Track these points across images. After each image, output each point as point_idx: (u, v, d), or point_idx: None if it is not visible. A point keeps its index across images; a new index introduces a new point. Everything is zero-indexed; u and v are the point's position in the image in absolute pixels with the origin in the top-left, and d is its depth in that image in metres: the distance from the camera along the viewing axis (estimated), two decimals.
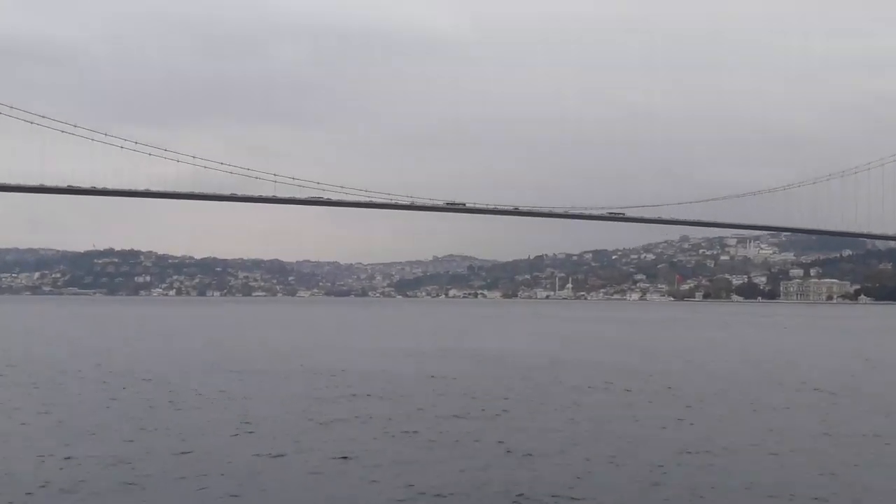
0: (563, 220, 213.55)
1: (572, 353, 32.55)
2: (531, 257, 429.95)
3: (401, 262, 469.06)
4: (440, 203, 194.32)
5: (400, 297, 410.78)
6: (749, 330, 69.28)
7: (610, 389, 22.41)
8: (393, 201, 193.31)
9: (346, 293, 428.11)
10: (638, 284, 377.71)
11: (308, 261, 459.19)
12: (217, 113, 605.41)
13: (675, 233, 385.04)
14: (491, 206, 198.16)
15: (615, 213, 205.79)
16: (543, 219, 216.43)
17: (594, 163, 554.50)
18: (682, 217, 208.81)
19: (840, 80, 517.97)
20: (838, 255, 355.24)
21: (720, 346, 43.38)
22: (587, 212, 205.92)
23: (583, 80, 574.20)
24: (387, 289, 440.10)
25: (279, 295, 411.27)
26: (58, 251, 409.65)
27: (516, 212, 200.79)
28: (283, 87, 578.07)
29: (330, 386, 23.86)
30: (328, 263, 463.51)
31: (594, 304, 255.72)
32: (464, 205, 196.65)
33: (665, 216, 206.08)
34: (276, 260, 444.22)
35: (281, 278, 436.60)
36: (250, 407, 19.73)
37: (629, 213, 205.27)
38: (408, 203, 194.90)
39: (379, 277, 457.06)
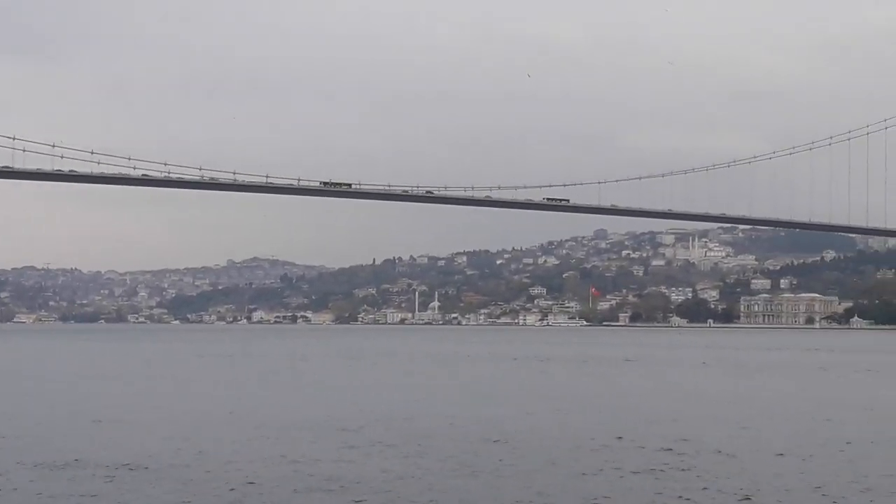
0: (424, 204, 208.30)
1: None
2: (377, 262, 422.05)
3: (178, 270, 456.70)
4: (234, 177, 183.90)
5: (177, 321, 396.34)
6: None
7: None
8: (147, 174, 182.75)
9: (93, 317, 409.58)
10: (536, 302, 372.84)
11: (32, 268, 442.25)
12: None
13: (587, 226, 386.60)
14: (305, 184, 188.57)
15: (500, 199, 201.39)
16: (393, 203, 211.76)
17: (470, 125, 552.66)
18: (597, 203, 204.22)
19: (826, 8, 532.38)
20: (819, 258, 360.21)
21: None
22: (461, 194, 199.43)
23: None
24: (156, 310, 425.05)
25: None
26: None
27: (351, 192, 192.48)
28: None
29: None
30: (65, 272, 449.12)
31: (473, 332, 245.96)
32: (266, 179, 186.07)
33: (574, 201, 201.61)
34: None
35: None
36: None
37: (519, 195, 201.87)
38: (164, 177, 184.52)
39: (144, 293, 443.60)
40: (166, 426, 28.61)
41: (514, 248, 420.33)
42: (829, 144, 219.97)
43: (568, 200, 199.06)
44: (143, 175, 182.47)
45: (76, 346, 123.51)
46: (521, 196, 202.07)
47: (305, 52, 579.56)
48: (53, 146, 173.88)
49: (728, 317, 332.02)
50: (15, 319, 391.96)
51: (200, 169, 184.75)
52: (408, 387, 45.89)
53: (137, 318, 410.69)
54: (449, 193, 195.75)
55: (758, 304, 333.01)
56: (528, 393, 43.23)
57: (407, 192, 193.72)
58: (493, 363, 75.23)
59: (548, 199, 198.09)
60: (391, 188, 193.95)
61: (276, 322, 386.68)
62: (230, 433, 26.78)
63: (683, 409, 35.60)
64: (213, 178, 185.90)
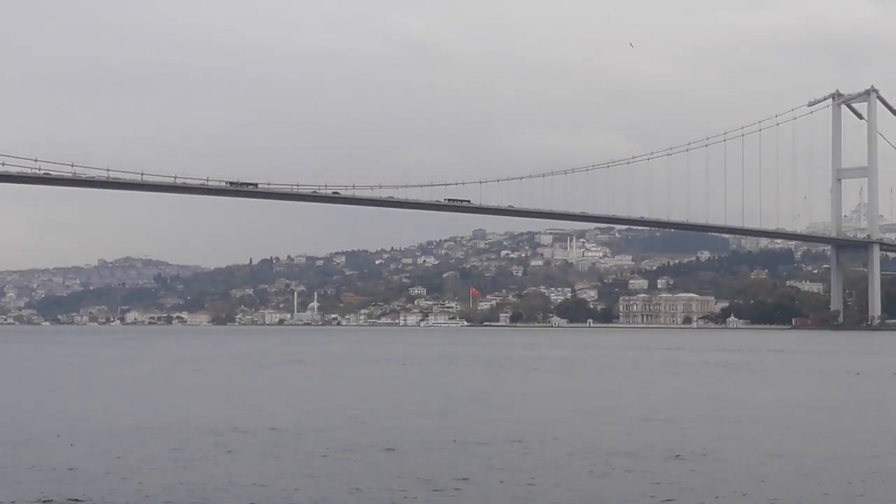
0: (300, 202, 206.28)
1: None
2: (254, 262, 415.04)
3: (48, 270, 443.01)
4: (101, 172, 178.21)
5: (48, 322, 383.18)
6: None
7: None
8: (41, 172, 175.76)
9: None
10: (417, 302, 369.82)
11: None
12: None
13: (465, 226, 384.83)
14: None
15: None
16: (270, 201, 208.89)
17: (338, 122, 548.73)
18: (473, 202, 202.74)
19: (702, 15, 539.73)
20: (694, 258, 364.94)
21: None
22: (369, 194, 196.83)
23: None
24: (25, 311, 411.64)
25: None
26: None
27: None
28: None
29: None
30: None
31: (353, 332, 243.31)
32: (141, 177, 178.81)
33: (450, 199, 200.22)
34: None
35: None
36: None
37: (387, 193, 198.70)
38: (37, 173, 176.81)
39: (12, 294, 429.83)
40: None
41: (392, 248, 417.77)
42: (706, 146, 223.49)
43: (469, 201, 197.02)
44: (18, 173, 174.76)
45: None
46: (401, 195, 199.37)
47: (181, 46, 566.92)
48: None
49: (607, 317, 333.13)
50: None
51: (73, 166, 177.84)
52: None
53: (6, 320, 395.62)
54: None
55: (636, 304, 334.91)
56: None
57: (316, 192, 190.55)
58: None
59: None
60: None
61: (150, 323, 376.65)
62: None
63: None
64: (117, 178, 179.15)
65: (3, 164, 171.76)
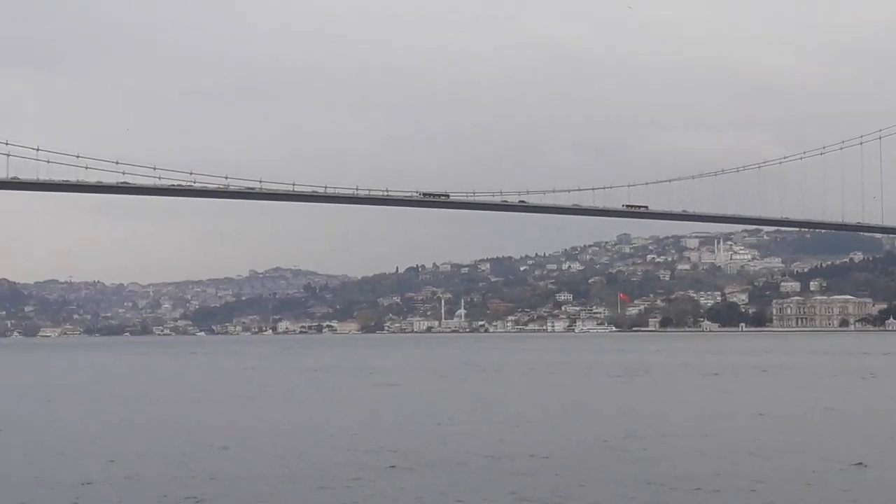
0: (443, 210, 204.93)
1: None
2: (400, 270, 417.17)
3: (201, 282, 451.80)
4: (259, 185, 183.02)
5: (203, 333, 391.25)
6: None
7: None
8: (196, 185, 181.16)
9: (118, 330, 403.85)
10: (563, 308, 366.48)
11: (55, 281, 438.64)
12: None
13: (609, 231, 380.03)
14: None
15: (520, 203, 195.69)
16: (414, 209, 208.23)
17: (483, 127, 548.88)
18: (616, 206, 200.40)
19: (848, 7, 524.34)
20: (847, 259, 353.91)
21: None
22: (480, 198, 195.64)
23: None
24: (181, 322, 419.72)
25: (14, 335, 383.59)
26: None
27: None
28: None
29: None
30: (87, 285, 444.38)
31: (503, 340, 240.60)
32: (293, 187, 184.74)
33: (592, 204, 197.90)
34: (4, 280, 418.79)
35: (13, 309, 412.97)
36: None
37: (534, 199, 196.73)
38: (222, 187, 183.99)
39: (168, 305, 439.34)
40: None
41: (536, 254, 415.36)
42: (861, 143, 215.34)
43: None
44: (172, 185, 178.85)
45: (133, 361, 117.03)
46: (548, 201, 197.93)
47: (318, 57, 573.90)
48: (77, 157, 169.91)
49: (760, 320, 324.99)
50: (41, 334, 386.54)
51: (226, 178, 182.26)
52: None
53: (162, 331, 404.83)
54: (471, 198, 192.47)
55: (790, 307, 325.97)
56: None
57: (505, 201, 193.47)
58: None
59: (626, 205, 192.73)
60: (406, 193, 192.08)
61: (301, 332, 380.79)
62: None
63: None
64: (259, 188, 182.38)
65: (161, 178, 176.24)
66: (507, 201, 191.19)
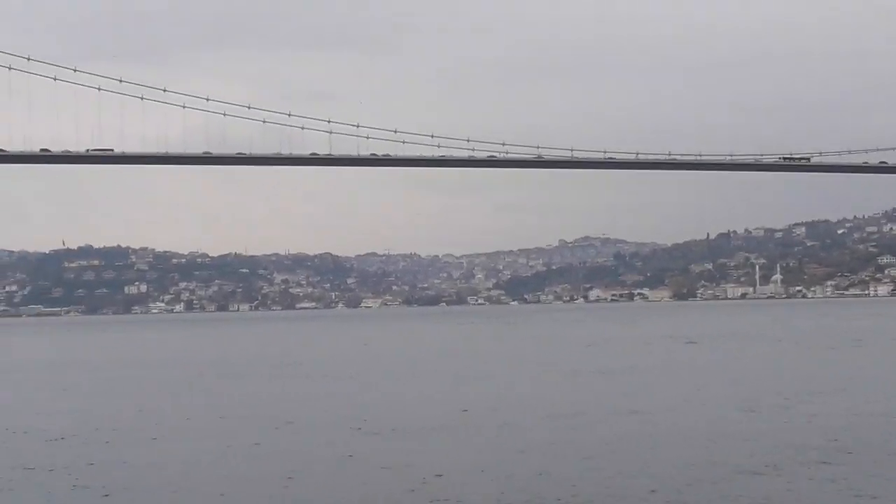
0: (759, 172, 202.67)
1: None
2: (711, 237, 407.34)
3: (511, 252, 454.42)
4: (570, 153, 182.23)
5: (515, 302, 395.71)
6: None
7: None
8: (513, 154, 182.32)
9: (434, 300, 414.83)
10: (887, 272, 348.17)
11: (374, 254, 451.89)
12: (231, 41, 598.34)
13: None
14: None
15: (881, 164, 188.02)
16: (723, 175, 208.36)
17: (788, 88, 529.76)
18: None
19: None
20: None
21: None
22: (843, 159, 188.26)
23: None
24: (493, 292, 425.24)
25: (339, 306, 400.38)
26: (11, 252, 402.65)
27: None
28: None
29: None
30: (404, 257, 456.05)
31: (824, 305, 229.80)
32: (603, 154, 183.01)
33: None
34: (328, 254, 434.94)
35: (337, 281, 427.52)
36: None
37: (854, 159, 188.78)
38: (535, 157, 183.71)
39: (480, 276, 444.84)
40: None
41: (855, 217, 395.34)
42: None
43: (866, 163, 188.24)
44: (489, 156, 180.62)
45: (508, 333, 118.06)
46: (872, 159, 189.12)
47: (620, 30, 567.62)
48: (395, 132, 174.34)
49: None
50: (362, 305, 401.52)
51: (538, 147, 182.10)
52: None
53: (476, 300, 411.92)
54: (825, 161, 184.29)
55: None
56: None
57: (866, 163, 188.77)
58: None
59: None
60: (739, 156, 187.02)
61: (612, 300, 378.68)
62: None
63: None
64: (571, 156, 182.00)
65: (474, 150, 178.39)
66: (867, 163, 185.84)
